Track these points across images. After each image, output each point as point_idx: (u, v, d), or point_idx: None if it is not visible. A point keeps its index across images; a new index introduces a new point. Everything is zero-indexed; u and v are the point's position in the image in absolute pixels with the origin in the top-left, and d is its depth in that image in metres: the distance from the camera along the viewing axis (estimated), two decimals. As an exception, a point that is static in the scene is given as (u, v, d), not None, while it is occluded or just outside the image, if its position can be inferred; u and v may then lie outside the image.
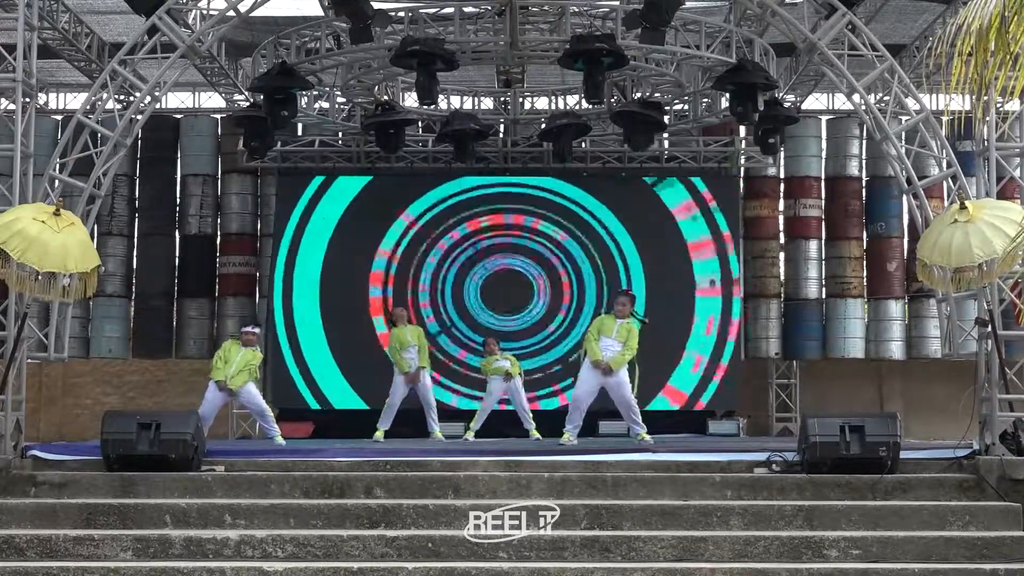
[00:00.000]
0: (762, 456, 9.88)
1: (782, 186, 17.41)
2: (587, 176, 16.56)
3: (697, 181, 16.42)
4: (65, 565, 7.94)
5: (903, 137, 13.09)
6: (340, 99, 15.42)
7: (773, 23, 11.97)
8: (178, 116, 17.53)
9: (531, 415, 13.45)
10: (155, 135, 16.84)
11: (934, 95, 15.89)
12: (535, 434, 13.21)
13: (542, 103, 16.80)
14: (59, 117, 17.22)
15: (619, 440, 12.49)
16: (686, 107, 15.89)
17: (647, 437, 11.64)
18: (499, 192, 16.40)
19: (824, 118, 17.63)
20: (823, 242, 17.29)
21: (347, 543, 8.22)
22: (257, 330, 12.89)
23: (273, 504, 8.89)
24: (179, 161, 17.37)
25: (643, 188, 16.42)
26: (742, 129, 16.25)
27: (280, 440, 12.35)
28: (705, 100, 15.07)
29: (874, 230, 17.11)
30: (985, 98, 7.48)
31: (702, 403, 16.01)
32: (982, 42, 6.19)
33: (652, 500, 9.05)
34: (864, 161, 17.35)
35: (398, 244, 16.25)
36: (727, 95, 13.57)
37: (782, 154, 16.60)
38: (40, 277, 9.63)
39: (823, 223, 17.34)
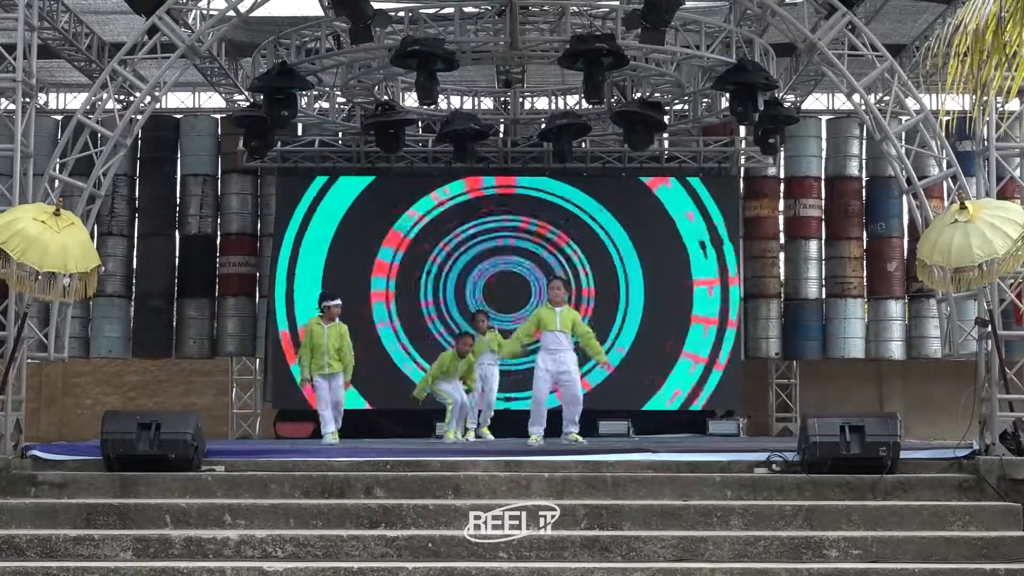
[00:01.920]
0: (762, 456, 9.88)
1: (782, 186, 17.41)
2: (587, 176, 16.55)
3: (695, 181, 16.43)
4: (65, 565, 7.94)
5: (903, 137, 13.10)
6: (340, 99, 15.42)
7: (773, 23, 11.97)
8: (178, 116, 17.52)
9: (492, 414, 13.37)
10: (155, 135, 16.83)
11: (934, 95, 15.88)
12: (485, 432, 13.18)
13: (542, 103, 16.79)
14: (59, 117, 17.21)
15: (619, 440, 12.51)
16: (686, 107, 15.89)
17: (580, 439, 11.70)
18: (499, 193, 16.40)
19: (824, 118, 17.62)
20: (823, 242, 17.29)
21: (347, 543, 8.22)
22: (338, 302, 12.77)
23: (273, 504, 8.89)
24: (179, 161, 17.36)
25: (642, 188, 16.41)
26: (742, 129, 16.24)
27: (332, 439, 12.35)
28: (705, 100, 15.07)
29: (874, 230, 17.10)
30: (984, 99, 7.47)
31: (700, 403, 16.01)
32: (979, 42, 6.20)
33: (652, 500, 9.05)
34: (864, 161, 17.34)
35: (398, 244, 16.25)
36: (727, 95, 13.57)
37: (782, 154, 16.60)
38: (40, 277, 9.63)
39: (823, 223, 17.33)
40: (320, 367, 12.40)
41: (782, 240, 17.38)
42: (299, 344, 15.79)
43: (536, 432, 11.74)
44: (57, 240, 9.62)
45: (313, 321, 12.66)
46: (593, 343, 11.81)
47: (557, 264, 16.19)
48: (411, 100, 15.40)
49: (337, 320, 12.58)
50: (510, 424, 13.56)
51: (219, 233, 17.22)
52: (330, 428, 12.41)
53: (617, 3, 12.69)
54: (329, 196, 16.30)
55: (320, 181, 16.40)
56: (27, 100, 10.70)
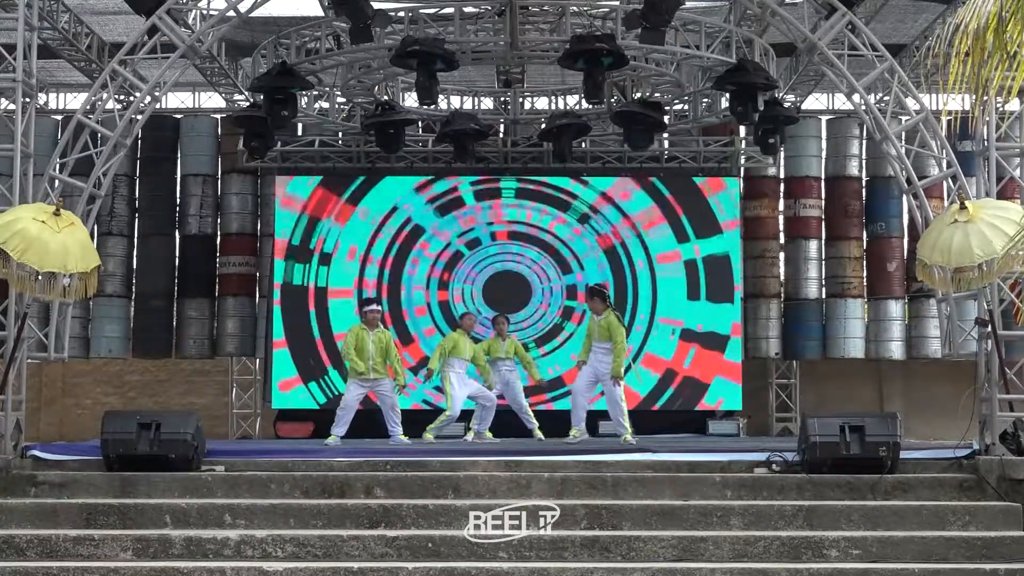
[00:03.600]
0: (762, 456, 9.89)
1: (782, 186, 17.40)
2: (587, 176, 16.53)
3: (696, 181, 16.41)
4: (65, 565, 7.95)
5: (903, 137, 13.09)
6: (340, 99, 15.41)
7: (773, 23, 11.97)
8: (178, 116, 17.51)
9: (532, 414, 13.40)
10: (155, 135, 16.83)
11: (934, 95, 15.89)
12: (538, 434, 13.16)
13: (542, 103, 16.79)
14: (59, 117, 17.20)
15: (619, 440, 12.49)
16: (686, 107, 15.88)
17: (631, 439, 11.78)
18: (499, 192, 16.39)
19: (824, 118, 17.61)
20: (823, 242, 17.28)
21: (347, 543, 8.23)
22: (379, 308, 12.92)
23: (273, 504, 8.89)
24: (179, 161, 17.35)
25: (647, 186, 16.39)
26: (742, 129, 16.24)
27: (403, 438, 12.43)
28: (705, 100, 15.07)
29: (874, 230, 17.10)
30: (984, 98, 7.48)
31: (700, 403, 16.02)
32: (979, 42, 6.19)
33: (652, 500, 9.05)
34: (864, 161, 17.34)
35: (398, 244, 16.23)
36: (727, 95, 13.57)
37: (782, 154, 16.59)
38: (40, 277, 9.64)
39: (823, 223, 17.33)
40: (363, 372, 12.44)
41: (782, 240, 17.37)
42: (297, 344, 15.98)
43: (577, 427, 12.06)
44: (57, 240, 9.63)
45: (356, 327, 12.64)
46: (619, 357, 11.88)
47: (556, 262, 16.18)
48: (411, 100, 15.39)
49: (380, 327, 12.74)
50: (511, 424, 13.56)
51: (219, 233, 17.21)
52: (338, 431, 12.42)
53: (617, 3, 12.69)
54: (329, 196, 16.27)
55: (320, 181, 16.37)
56: (27, 100, 10.71)
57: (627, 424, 11.88)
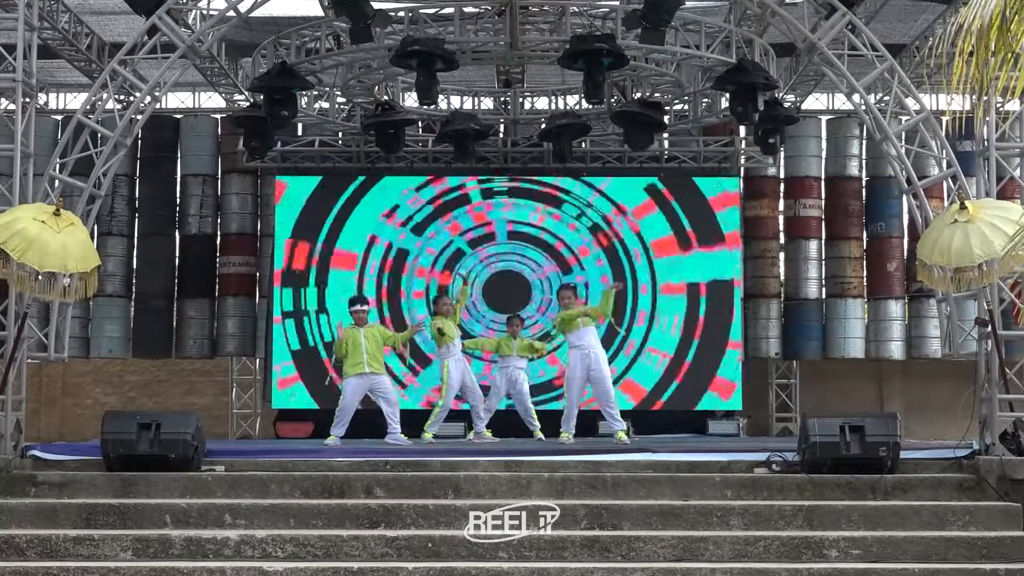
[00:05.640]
0: (762, 456, 9.89)
1: (782, 186, 17.40)
2: (586, 176, 16.53)
3: (700, 181, 16.40)
4: (65, 565, 7.96)
5: (903, 137, 13.09)
6: (340, 99, 15.41)
7: (773, 23, 11.97)
8: (178, 116, 17.51)
9: (535, 416, 13.39)
10: (155, 135, 16.82)
11: (934, 95, 15.88)
12: (539, 435, 13.16)
13: (542, 103, 16.79)
14: (59, 117, 17.20)
15: (614, 438, 12.51)
16: (686, 107, 15.88)
17: (624, 437, 11.93)
18: (498, 192, 16.39)
19: (824, 118, 17.61)
20: (823, 242, 17.28)
21: (347, 543, 8.23)
22: (366, 307, 12.83)
23: (273, 504, 8.90)
24: (179, 161, 17.35)
25: (647, 186, 16.39)
26: (742, 129, 16.23)
27: (402, 437, 12.28)
28: (705, 100, 15.06)
29: (874, 230, 17.10)
30: (985, 98, 7.47)
31: (701, 403, 15.98)
32: (982, 41, 6.19)
33: (652, 500, 9.06)
34: (864, 161, 17.34)
35: (399, 244, 16.23)
36: (727, 95, 13.57)
37: (782, 154, 16.59)
38: (40, 277, 9.63)
39: (823, 223, 17.33)
40: (358, 364, 12.29)
41: (782, 240, 17.37)
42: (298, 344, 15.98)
43: (567, 431, 12.24)
44: (57, 240, 9.63)
45: (349, 328, 12.50)
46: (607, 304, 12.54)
47: (554, 261, 16.18)
48: (411, 100, 15.40)
49: (369, 323, 12.69)
50: (511, 424, 13.56)
51: (219, 233, 17.20)
52: (337, 431, 12.37)
53: (617, 3, 12.69)
54: (329, 196, 16.28)
55: (320, 181, 16.38)
56: (27, 100, 10.70)
57: (620, 419, 12.03)
